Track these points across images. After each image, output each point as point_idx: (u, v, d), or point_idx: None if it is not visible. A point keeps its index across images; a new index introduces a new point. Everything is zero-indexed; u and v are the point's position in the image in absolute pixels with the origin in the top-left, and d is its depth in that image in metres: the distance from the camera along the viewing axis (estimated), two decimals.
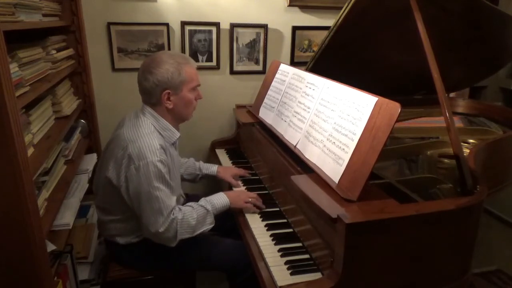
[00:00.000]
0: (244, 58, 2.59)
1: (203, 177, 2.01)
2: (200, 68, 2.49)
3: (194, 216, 1.51)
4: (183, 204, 1.60)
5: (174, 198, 1.50)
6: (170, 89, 1.51)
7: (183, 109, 1.58)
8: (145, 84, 1.51)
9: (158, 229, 1.43)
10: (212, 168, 1.99)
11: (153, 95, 1.52)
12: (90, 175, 1.99)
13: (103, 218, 1.61)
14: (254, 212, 1.66)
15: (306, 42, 2.67)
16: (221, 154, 2.35)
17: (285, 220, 1.60)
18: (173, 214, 1.46)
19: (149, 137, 1.46)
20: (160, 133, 1.55)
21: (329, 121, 1.44)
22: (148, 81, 1.49)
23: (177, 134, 1.62)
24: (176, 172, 1.66)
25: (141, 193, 1.43)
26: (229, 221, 1.75)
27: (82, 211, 2.00)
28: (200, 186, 2.11)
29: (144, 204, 1.43)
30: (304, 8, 2.58)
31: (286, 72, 2.01)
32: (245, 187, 1.90)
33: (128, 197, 1.47)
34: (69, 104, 1.96)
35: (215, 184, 2.17)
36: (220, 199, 1.62)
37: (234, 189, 1.87)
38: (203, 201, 1.60)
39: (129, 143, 1.45)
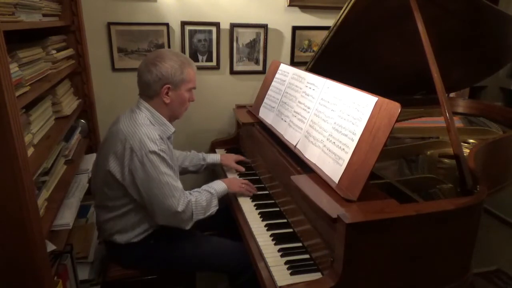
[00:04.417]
0: (244, 58, 2.59)
1: (207, 167, 2.11)
2: (200, 68, 2.51)
3: (204, 199, 1.60)
4: None
5: (179, 181, 1.56)
6: (171, 84, 1.55)
7: (177, 107, 1.62)
8: (147, 76, 1.54)
9: (177, 208, 1.49)
10: (216, 157, 2.12)
11: (152, 88, 1.55)
12: (90, 175, 1.99)
13: (102, 217, 1.61)
14: (252, 209, 1.67)
15: (306, 42, 2.67)
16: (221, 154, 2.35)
17: (285, 220, 1.60)
18: (186, 197, 1.54)
19: (148, 128, 1.50)
20: (155, 127, 1.57)
21: (329, 121, 1.44)
22: (151, 73, 1.52)
23: (172, 129, 1.64)
24: (174, 165, 1.67)
25: (150, 182, 1.46)
26: (229, 222, 1.76)
27: (82, 211, 2.00)
28: (200, 183, 2.13)
29: (155, 192, 1.47)
30: (304, 8, 2.58)
31: (286, 72, 2.01)
32: None
33: (135, 189, 1.49)
34: (69, 104, 1.96)
35: (213, 178, 2.20)
36: (218, 185, 1.73)
37: (228, 175, 2.02)
38: (205, 186, 1.70)
39: (127, 136, 1.47)
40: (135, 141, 1.46)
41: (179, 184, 1.54)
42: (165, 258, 1.62)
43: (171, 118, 1.65)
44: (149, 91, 1.56)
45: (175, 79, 1.55)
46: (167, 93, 1.56)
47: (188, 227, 1.56)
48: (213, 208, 1.64)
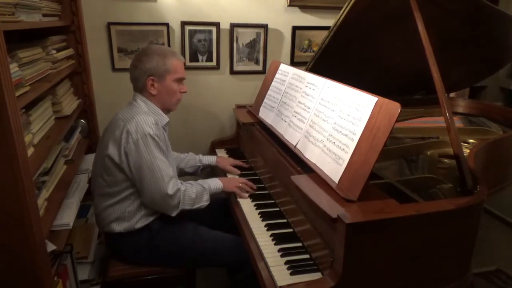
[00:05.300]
0: (244, 58, 2.59)
1: (204, 168, 2.12)
2: (200, 68, 2.52)
3: (194, 191, 1.65)
4: None
5: (171, 169, 1.61)
6: (154, 76, 1.63)
7: (166, 98, 1.68)
8: (134, 72, 1.65)
9: (166, 191, 1.54)
10: (212, 159, 2.12)
11: (139, 81, 1.65)
12: (90, 175, 1.99)
13: (101, 206, 1.64)
14: (253, 209, 1.67)
15: (306, 42, 2.67)
16: (221, 154, 2.35)
17: (285, 220, 1.60)
18: (176, 184, 1.59)
19: (145, 115, 1.58)
20: (151, 115, 1.63)
21: (329, 121, 1.44)
22: (137, 68, 1.63)
23: (166, 118, 1.71)
24: (169, 154, 1.71)
25: (142, 165, 1.53)
26: (230, 219, 1.76)
27: (82, 211, 2.00)
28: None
29: (146, 175, 1.53)
30: (304, 8, 2.58)
31: (286, 72, 2.01)
32: None
33: (130, 171, 1.55)
34: (69, 104, 1.96)
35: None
36: (214, 182, 1.76)
37: (229, 175, 2.00)
38: (200, 181, 1.73)
39: (126, 122, 1.55)
40: (132, 124, 1.53)
41: (170, 171, 1.58)
42: (163, 252, 1.64)
43: (164, 110, 1.71)
44: (138, 84, 1.66)
45: (158, 71, 1.62)
46: (152, 85, 1.64)
47: (173, 214, 1.60)
48: (203, 202, 1.68)
